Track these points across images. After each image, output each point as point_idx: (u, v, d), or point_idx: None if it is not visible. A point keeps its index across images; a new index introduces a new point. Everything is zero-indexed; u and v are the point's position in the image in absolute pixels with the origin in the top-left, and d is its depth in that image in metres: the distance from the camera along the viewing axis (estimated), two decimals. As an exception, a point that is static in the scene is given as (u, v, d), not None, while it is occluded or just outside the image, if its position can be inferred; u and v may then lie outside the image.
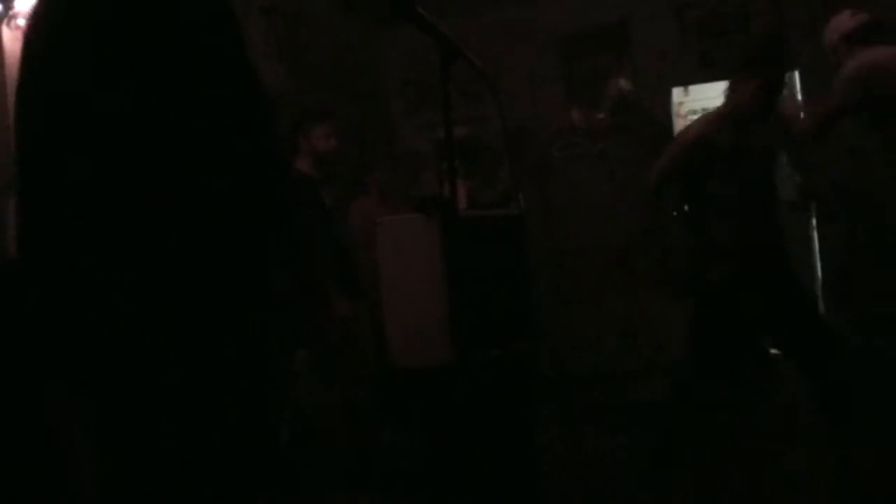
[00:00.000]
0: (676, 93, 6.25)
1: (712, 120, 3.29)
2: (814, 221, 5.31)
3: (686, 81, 6.30)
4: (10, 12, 3.80)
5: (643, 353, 6.10)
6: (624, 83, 6.17)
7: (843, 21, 3.71)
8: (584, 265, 6.31)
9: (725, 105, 3.29)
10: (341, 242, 4.43)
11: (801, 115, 3.56)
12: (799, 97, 5.87)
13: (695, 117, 4.78)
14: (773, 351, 5.06)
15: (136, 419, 1.40)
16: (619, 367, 6.27)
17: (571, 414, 4.87)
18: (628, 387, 5.45)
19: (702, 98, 5.74)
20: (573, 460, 3.84)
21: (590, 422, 4.71)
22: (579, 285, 6.39)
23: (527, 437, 3.12)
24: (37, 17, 1.46)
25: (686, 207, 3.51)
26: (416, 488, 2.77)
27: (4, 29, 3.79)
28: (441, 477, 2.71)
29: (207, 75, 1.40)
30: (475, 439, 2.63)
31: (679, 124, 5.63)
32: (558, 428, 4.34)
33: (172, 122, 1.36)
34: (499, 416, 2.89)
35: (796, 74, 5.94)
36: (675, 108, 5.77)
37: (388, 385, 4.25)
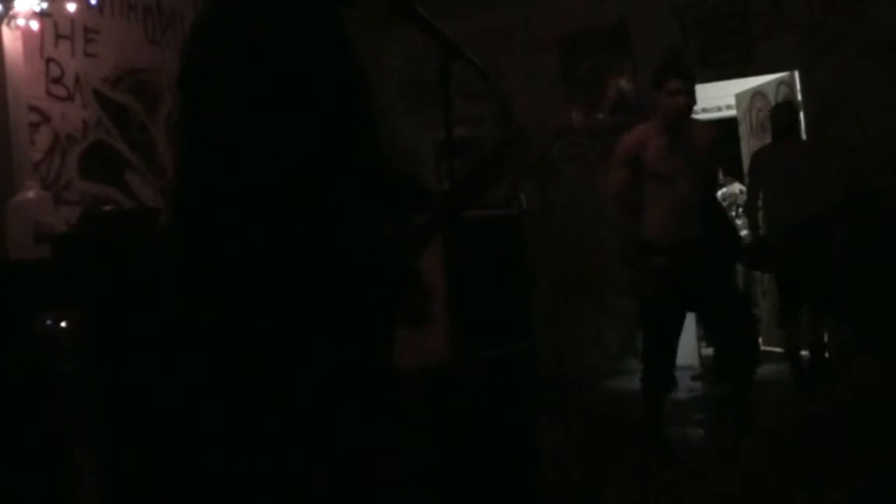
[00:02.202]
0: (676, 93, 6.23)
1: None
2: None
3: (686, 81, 6.29)
4: (10, 12, 3.80)
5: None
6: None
7: None
8: (584, 265, 6.31)
9: None
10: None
11: None
12: (799, 97, 5.88)
13: (696, 117, 4.76)
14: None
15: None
16: (619, 367, 6.27)
17: (571, 413, 4.88)
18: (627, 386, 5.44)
19: (702, 98, 5.72)
20: (573, 459, 3.84)
21: (589, 421, 4.71)
22: (579, 285, 6.39)
23: (527, 436, 3.13)
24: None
25: None
26: (415, 488, 2.78)
27: (4, 29, 3.78)
28: (441, 477, 2.71)
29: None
30: (475, 439, 2.64)
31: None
32: (559, 427, 4.34)
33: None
34: (499, 416, 2.89)
35: (796, 74, 5.95)
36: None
37: (387, 385, 4.24)
